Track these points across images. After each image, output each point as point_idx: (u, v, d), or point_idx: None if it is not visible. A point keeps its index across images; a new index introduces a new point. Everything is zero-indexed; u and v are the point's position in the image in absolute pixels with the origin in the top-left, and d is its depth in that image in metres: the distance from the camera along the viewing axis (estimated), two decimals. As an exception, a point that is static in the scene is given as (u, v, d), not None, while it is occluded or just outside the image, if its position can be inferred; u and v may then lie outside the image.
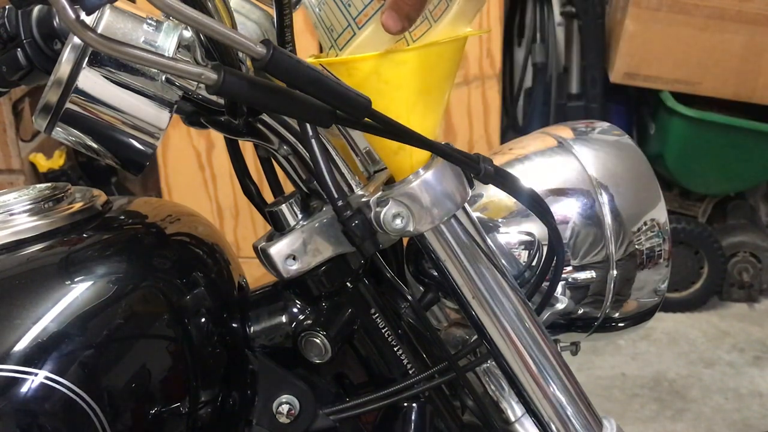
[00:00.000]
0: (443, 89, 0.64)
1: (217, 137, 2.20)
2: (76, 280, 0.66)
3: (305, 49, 0.66)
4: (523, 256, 0.81)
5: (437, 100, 0.64)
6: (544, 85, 2.66)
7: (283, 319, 0.76)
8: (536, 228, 0.80)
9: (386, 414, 0.80)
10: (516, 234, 0.81)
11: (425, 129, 0.61)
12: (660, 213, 0.83)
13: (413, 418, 0.79)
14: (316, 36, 0.65)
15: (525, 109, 2.78)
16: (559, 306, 0.80)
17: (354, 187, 0.70)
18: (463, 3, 0.62)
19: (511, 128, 2.77)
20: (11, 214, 0.71)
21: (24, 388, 0.60)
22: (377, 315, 0.77)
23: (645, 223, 0.82)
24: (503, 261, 0.77)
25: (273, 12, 0.64)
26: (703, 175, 2.44)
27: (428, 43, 0.61)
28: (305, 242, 0.70)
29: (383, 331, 0.77)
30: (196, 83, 0.65)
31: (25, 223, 0.70)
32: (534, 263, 0.80)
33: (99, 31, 0.59)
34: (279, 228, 0.72)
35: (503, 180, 0.67)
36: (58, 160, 2.63)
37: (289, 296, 0.76)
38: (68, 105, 0.61)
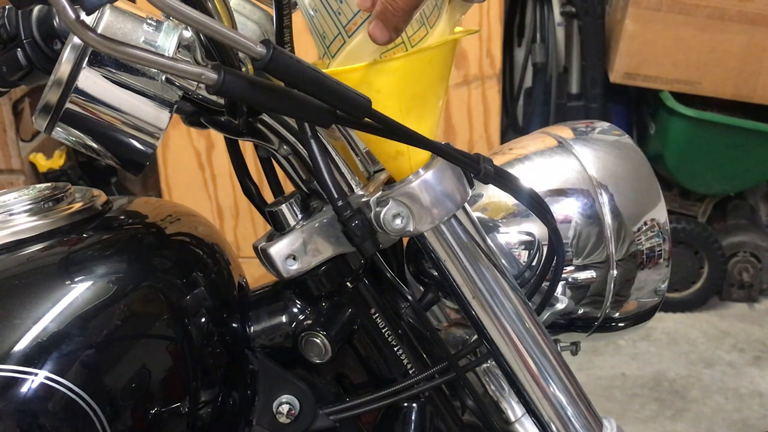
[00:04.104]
0: (437, 92, 0.64)
1: (217, 137, 2.20)
2: (76, 280, 0.66)
3: (305, 50, 0.66)
4: (523, 256, 0.81)
5: (432, 103, 0.64)
6: (544, 85, 2.66)
7: (283, 319, 0.76)
8: (536, 228, 0.80)
9: (386, 414, 0.80)
10: (516, 234, 0.81)
11: (423, 132, 0.61)
12: (660, 213, 0.83)
13: (413, 418, 0.79)
14: (316, 37, 0.65)
15: (525, 109, 2.78)
16: (559, 306, 0.80)
17: (354, 187, 0.70)
18: (450, 8, 0.62)
19: (511, 128, 2.77)
20: (11, 214, 0.71)
21: (24, 388, 0.60)
22: (377, 315, 0.77)
23: (645, 223, 0.82)
24: (503, 261, 0.77)
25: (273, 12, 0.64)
26: (703, 175, 2.44)
27: (415, 50, 0.61)
28: (305, 242, 0.70)
29: (383, 331, 0.77)
30: (196, 83, 0.65)
31: (25, 223, 0.70)
32: (534, 263, 0.80)
33: (99, 31, 0.59)
34: (279, 228, 0.72)
35: (503, 180, 0.67)
36: (58, 160, 2.63)
37: (289, 296, 0.76)
38: (68, 105, 0.61)
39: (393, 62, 0.61)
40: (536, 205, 0.71)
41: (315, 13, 0.61)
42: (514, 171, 0.80)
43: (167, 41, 0.61)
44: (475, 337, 0.76)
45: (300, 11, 0.64)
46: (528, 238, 0.80)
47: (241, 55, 0.63)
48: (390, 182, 0.68)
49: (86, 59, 0.60)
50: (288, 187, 0.78)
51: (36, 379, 0.60)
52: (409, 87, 0.62)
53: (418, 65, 0.62)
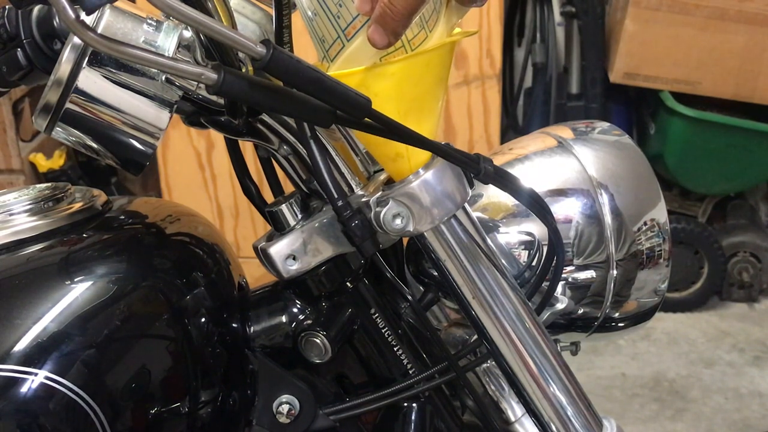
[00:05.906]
0: (436, 94, 0.64)
1: (217, 137, 2.20)
2: (76, 280, 0.66)
3: (304, 50, 0.66)
4: (523, 256, 0.81)
5: (431, 105, 0.64)
6: (544, 85, 2.66)
7: (283, 319, 0.76)
8: (536, 228, 0.80)
9: (386, 414, 0.80)
10: (516, 234, 0.81)
11: (422, 134, 0.61)
12: (660, 213, 0.83)
13: (413, 418, 0.79)
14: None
15: (525, 109, 2.78)
16: (559, 306, 0.80)
17: (354, 187, 0.70)
18: (447, 11, 0.62)
19: (511, 128, 2.77)
20: (11, 214, 0.71)
21: (24, 388, 0.60)
22: (377, 315, 0.77)
23: (645, 223, 0.82)
24: (503, 261, 0.77)
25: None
26: (703, 175, 2.44)
27: (413, 53, 0.61)
28: (305, 242, 0.70)
29: (383, 331, 0.77)
30: (196, 83, 0.65)
31: (25, 223, 0.70)
32: (534, 263, 0.80)
33: (99, 31, 0.59)
34: (279, 228, 0.72)
35: (503, 180, 0.67)
36: (58, 160, 2.63)
37: (289, 296, 0.76)
38: (68, 105, 0.61)
39: (391, 66, 0.61)
40: (536, 205, 0.71)
41: (314, 16, 0.61)
42: (514, 171, 0.80)
43: (167, 41, 0.61)
44: (475, 337, 0.76)
45: (300, 12, 0.64)
46: (528, 238, 0.80)
47: (241, 55, 0.63)
48: (390, 182, 0.68)
49: (86, 59, 0.60)
50: (288, 187, 0.78)
51: (36, 379, 0.60)
52: (408, 90, 0.62)
53: (416, 68, 0.62)
